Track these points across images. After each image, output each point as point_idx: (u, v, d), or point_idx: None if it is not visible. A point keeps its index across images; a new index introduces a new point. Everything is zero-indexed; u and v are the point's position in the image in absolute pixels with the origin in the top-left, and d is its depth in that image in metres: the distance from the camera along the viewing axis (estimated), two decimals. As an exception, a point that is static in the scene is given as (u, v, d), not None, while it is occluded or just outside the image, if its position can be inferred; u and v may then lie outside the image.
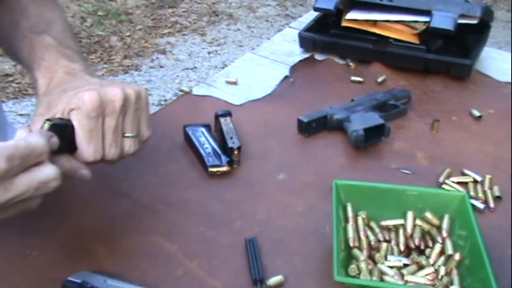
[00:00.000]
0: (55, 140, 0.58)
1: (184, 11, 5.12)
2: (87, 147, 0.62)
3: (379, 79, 1.05)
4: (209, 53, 4.31)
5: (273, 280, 0.66)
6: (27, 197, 0.54)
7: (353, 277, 0.63)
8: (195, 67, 3.95)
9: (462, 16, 0.99)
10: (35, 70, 0.70)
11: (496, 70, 1.11)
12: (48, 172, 0.55)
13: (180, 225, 0.74)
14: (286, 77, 1.07)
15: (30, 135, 0.56)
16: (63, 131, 0.60)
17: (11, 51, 0.80)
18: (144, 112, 0.68)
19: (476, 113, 0.97)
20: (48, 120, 0.59)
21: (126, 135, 0.66)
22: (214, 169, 0.81)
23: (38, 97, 0.68)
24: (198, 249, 0.70)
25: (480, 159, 0.87)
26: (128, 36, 4.38)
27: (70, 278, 0.62)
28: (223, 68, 3.39)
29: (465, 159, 0.87)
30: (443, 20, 0.99)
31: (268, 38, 3.41)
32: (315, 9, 1.10)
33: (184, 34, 4.62)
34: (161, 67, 3.90)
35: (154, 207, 0.76)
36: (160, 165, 0.84)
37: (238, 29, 4.87)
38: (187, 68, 3.93)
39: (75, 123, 0.61)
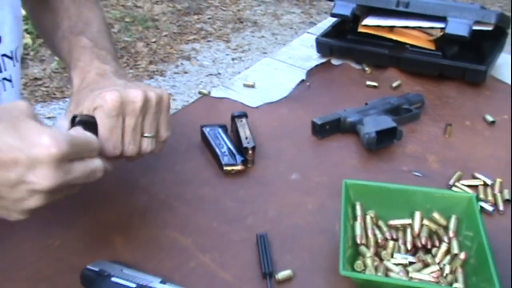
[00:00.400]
0: None
1: (209, 18, 5.18)
2: (107, 143, 0.66)
3: (394, 84, 1.07)
4: (233, 59, 4.36)
5: (282, 274, 0.68)
6: (79, 182, 0.59)
7: (359, 272, 0.65)
8: (219, 73, 3.99)
9: (477, 22, 1.01)
10: (71, 69, 0.75)
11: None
12: (97, 163, 0.61)
13: (194, 220, 0.76)
14: (302, 81, 1.09)
15: (76, 130, 0.61)
16: (87, 127, 0.64)
17: (54, 50, 0.85)
18: (164, 114, 0.71)
19: (490, 118, 0.98)
20: (75, 116, 0.64)
21: (145, 135, 0.69)
22: (229, 168, 0.84)
23: (71, 95, 0.72)
24: (211, 243, 0.73)
25: (491, 163, 0.88)
26: (154, 42, 4.46)
27: (88, 267, 0.66)
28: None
29: (476, 163, 0.88)
30: (458, 27, 1.00)
31: (291, 45, 3.45)
32: (332, 15, 1.12)
33: (209, 41, 4.67)
34: (185, 72, 3.96)
35: (170, 203, 0.79)
36: (177, 163, 0.87)
37: (263, 36, 4.91)
38: (211, 74, 3.98)
39: (97, 120, 0.65)
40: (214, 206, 0.79)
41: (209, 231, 0.75)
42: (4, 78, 0.81)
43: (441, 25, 1.03)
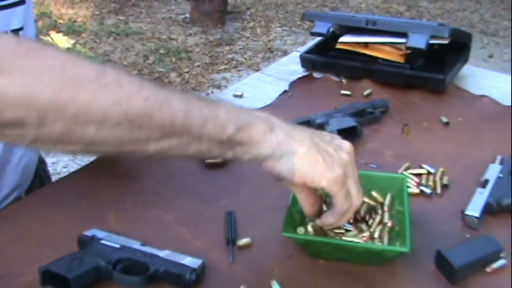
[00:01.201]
0: None
1: (240, 48, 5.40)
2: None
3: (365, 93, 1.21)
4: None
5: (242, 241, 0.82)
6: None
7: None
8: None
9: (433, 37, 1.14)
10: None
11: (474, 85, 1.25)
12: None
13: (177, 202, 0.91)
14: (285, 91, 1.24)
15: None
16: None
17: None
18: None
19: (445, 119, 1.10)
20: None
21: None
22: (210, 161, 0.99)
23: None
24: (188, 219, 0.88)
25: (439, 157, 1.00)
26: (187, 72, 4.68)
27: (84, 233, 0.81)
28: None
29: (426, 156, 1.00)
30: (417, 40, 1.14)
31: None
32: (312, 34, 1.28)
33: (239, 70, 4.87)
34: (216, 101, 4.14)
35: (158, 189, 0.95)
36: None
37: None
38: (241, 102, 4.15)
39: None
40: (194, 191, 0.94)
41: (188, 210, 0.90)
42: None
43: (404, 40, 1.17)
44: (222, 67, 4.90)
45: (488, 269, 0.76)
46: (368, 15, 1.22)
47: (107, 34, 5.42)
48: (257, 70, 4.84)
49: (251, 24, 6.15)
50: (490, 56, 5.38)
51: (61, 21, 5.66)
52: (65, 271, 0.73)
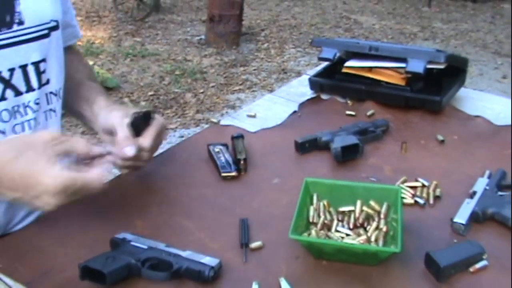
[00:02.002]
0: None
1: (254, 69, 5.52)
2: (150, 141, 0.97)
3: (368, 113, 1.32)
4: None
5: (254, 244, 0.93)
6: (78, 198, 0.85)
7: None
8: None
9: (431, 62, 1.25)
10: (98, 95, 1.09)
11: (470, 106, 1.35)
12: (94, 184, 0.85)
13: (196, 210, 1.03)
14: (295, 111, 1.36)
15: (92, 170, 0.87)
16: (144, 119, 0.98)
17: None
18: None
19: (440, 137, 1.21)
20: (147, 110, 0.99)
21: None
22: (226, 174, 1.11)
23: (99, 109, 1.05)
24: (206, 225, 0.99)
25: (434, 171, 1.11)
26: (202, 92, 4.80)
27: (115, 236, 0.93)
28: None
29: (422, 171, 1.11)
30: (415, 65, 1.25)
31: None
32: (319, 59, 1.40)
33: (253, 91, 4.98)
34: (230, 121, 4.24)
35: (180, 199, 1.06)
36: (188, 171, 1.14)
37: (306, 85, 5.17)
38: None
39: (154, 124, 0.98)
40: (212, 201, 1.05)
41: (206, 217, 1.01)
42: (50, 109, 1.08)
43: (404, 64, 1.28)
44: (237, 87, 5.01)
45: (471, 269, 0.86)
46: (371, 42, 1.33)
47: (124, 55, 5.58)
48: (271, 91, 4.95)
49: (265, 45, 6.29)
50: (504, 77, 5.45)
51: (79, 43, 5.85)
52: (101, 267, 0.84)
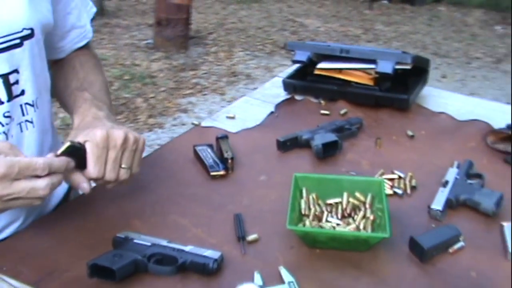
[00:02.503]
0: (72, 164, 0.88)
1: (204, 73, 5.55)
2: (93, 167, 0.90)
3: (342, 112, 1.40)
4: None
5: (251, 237, 0.99)
6: (22, 196, 0.80)
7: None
8: None
9: (398, 63, 1.35)
10: (73, 114, 1.04)
11: (433, 104, 1.46)
12: (39, 183, 0.81)
13: (190, 208, 1.07)
14: (272, 112, 1.43)
15: (48, 158, 0.84)
16: (78, 152, 0.90)
17: (62, 103, 1.14)
18: (138, 154, 0.95)
19: (410, 133, 1.31)
20: (70, 141, 0.91)
21: (123, 166, 0.93)
22: (215, 173, 1.16)
23: (71, 130, 1.00)
24: (202, 222, 1.04)
25: (407, 164, 1.20)
26: (152, 97, 4.78)
27: (117, 235, 0.96)
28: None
29: (397, 164, 1.20)
30: (384, 66, 1.34)
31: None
32: (293, 61, 1.47)
33: (204, 94, 5.01)
34: (183, 124, 4.23)
35: (172, 198, 1.10)
36: (177, 172, 1.18)
37: (256, 88, 5.22)
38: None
39: (88, 149, 0.90)
40: (204, 199, 1.10)
41: (201, 214, 1.06)
42: (26, 120, 1.03)
43: (373, 66, 1.37)
44: (188, 91, 5.02)
45: (450, 250, 0.95)
46: (342, 45, 1.42)
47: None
48: (222, 94, 5.00)
49: (214, 48, 6.33)
50: (443, 77, 5.70)
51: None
52: (110, 264, 0.88)
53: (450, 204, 1.05)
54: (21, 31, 0.97)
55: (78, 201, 1.09)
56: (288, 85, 1.49)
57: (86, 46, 1.20)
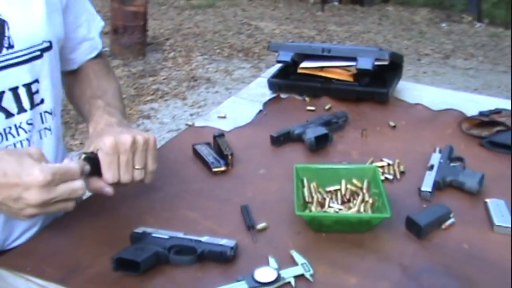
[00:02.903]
0: (87, 167, 0.95)
1: (164, 79, 5.57)
2: (107, 174, 0.96)
3: (326, 107, 1.49)
4: (191, 115, 4.69)
5: (260, 225, 1.05)
6: (64, 198, 0.87)
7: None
8: (179, 129, 4.27)
9: (377, 59, 1.45)
10: (89, 122, 1.10)
11: (409, 96, 1.58)
12: (77, 184, 0.88)
13: (197, 203, 1.14)
14: (260, 111, 1.50)
15: (69, 162, 0.91)
16: (93, 161, 0.97)
17: (80, 112, 1.20)
18: (150, 152, 0.99)
19: (392, 123, 1.41)
20: (84, 153, 0.98)
21: (136, 167, 0.98)
22: (217, 169, 1.22)
23: (87, 140, 1.06)
24: (211, 214, 1.10)
25: (393, 152, 1.29)
26: (114, 105, 4.77)
27: (134, 230, 1.02)
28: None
29: (384, 152, 1.29)
30: (364, 63, 1.44)
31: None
32: (278, 61, 1.55)
33: (166, 100, 5.03)
34: (147, 130, 4.23)
35: (179, 194, 1.16)
36: (180, 170, 1.24)
37: (217, 91, 5.29)
38: (171, 130, 4.28)
39: (99, 157, 0.96)
40: (210, 194, 1.16)
41: (208, 208, 1.12)
42: (45, 128, 1.10)
43: (354, 63, 1.47)
44: (149, 98, 5.02)
45: (443, 226, 1.05)
46: (323, 45, 1.51)
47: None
48: (184, 99, 5.04)
49: (172, 54, 6.36)
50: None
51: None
52: (134, 257, 0.93)
53: (437, 186, 1.15)
54: (41, 44, 1.04)
55: (89, 202, 1.13)
56: (273, 85, 1.57)
57: (98, 56, 1.26)
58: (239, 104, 1.55)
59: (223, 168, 1.23)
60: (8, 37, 0.99)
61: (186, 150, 1.30)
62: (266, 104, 1.54)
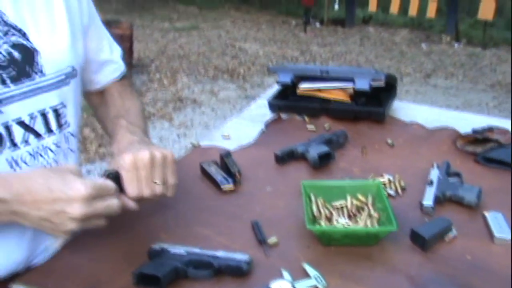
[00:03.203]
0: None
1: (150, 100, 5.61)
2: (129, 189, 1.01)
3: (326, 126, 1.55)
4: (178, 136, 4.73)
5: (271, 240, 1.10)
6: (99, 213, 0.92)
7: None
8: None
9: (373, 80, 1.51)
10: (113, 141, 1.15)
11: (405, 115, 1.65)
12: (114, 201, 0.95)
13: (208, 220, 1.18)
14: (262, 131, 1.56)
15: (106, 180, 0.97)
16: (115, 179, 1.02)
17: (105, 130, 1.27)
18: (169, 168, 1.04)
19: (390, 141, 1.47)
20: (106, 171, 1.03)
21: (156, 182, 1.03)
22: (226, 188, 1.27)
23: (112, 158, 1.11)
24: (223, 231, 1.14)
25: (392, 168, 1.35)
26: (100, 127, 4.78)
27: (152, 246, 1.06)
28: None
29: (384, 168, 1.35)
30: (362, 84, 1.51)
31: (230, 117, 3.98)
32: (278, 83, 1.61)
33: (152, 121, 5.06)
34: (134, 151, 4.27)
35: (191, 212, 1.20)
36: (190, 188, 1.28)
37: (203, 112, 5.33)
38: (159, 152, 4.32)
39: (121, 174, 1.01)
40: (220, 211, 1.21)
41: (220, 224, 1.16)
42: (69, 149, 1.16)
43: (351, 84, 1.53)
44: (135, 118, 5.05)
45: (446, 239, 1.10)
46: (321, 66, 1.57)
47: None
48: (170, 120, 5.07)
49: (158, 76, 6.41)
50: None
51: None
52: (155, 272, 0.97)
53: (438, 200, 1.21)
54: (66, 69, 1.10)
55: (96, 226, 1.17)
56: (273, 106, 1.63)
57: (122, 77, 1.32)
58: (242, 124, 1.61)
59: (231, 186, 1.27)
60: (39, 64, 1.05)
61: (195, 169, 1.35)
62: (268, 124, 1.59)
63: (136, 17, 9.05)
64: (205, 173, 1.33)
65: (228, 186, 1.27)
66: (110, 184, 0.95)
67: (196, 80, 6.37)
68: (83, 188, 0.89)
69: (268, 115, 1.65)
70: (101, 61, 1.24)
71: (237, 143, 1.49)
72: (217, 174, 1.30)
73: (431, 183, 1.25)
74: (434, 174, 1.28)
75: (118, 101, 1.26)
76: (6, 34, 1.01)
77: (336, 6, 9.98)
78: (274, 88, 1.73)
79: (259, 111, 1.68)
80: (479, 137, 1.42)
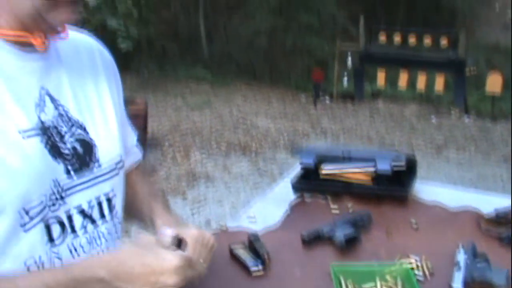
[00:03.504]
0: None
1: (163, 176, 5.67)
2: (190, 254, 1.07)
3: (349, 206, 1.58)
4: (192, 212, 4.74)
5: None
6: (191, 280, 0.97)
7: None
8: None
9: (394, 162, 1.56)
10: (155, 217, 1.22)
11: (427, 195, 1.67)
12: (200, 269, 1.05)
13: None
14: (287, 213, 1.59)
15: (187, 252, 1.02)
16: (178, 244, 1.06)
17: (130, 211, 1.29)
18: (210, 250, 1.12)
19: (414, 221, 1.49)
20: (176, 235, 1.06)
21: (201, 260, 1.10)
22: (256, 272, 1.29)
23: (157, 228, 1.18)
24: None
25: (419, 249, 1.37)
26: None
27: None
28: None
29: (410, 250, 1.36)
30: (383, 165, 1.55)
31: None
32: (301, 164, 1.66)
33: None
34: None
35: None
36: (218, 271, 1.30)
37: (216, 188, 5.37)
38: (172, 228, 4.33)
39: (188, 240, 1.07)
40: (250, 294, 1.22)
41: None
42: (117, 237, 1.19)
43: (372, 165, 1.58)
44: (149, 195, 5.08)
45: (479, 322, 1.11)
46: (343, 148, 1.63)
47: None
48: (183, 196, 5.11)
49: (171, 151, 6.52)
50: (392, 166, 6.04)
51: None
52: None
53: (467, 284, 1.22)
54: (116, 158, 1.16)
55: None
56: (296, 187, 1.67)
57: (139, 162, 1.37)
58: (265, 205, 1.64)
59: (261, 270, 1.29)
60: (97, 157, 1.11)
61: (223, 252, 1.37)
62: (292, 206, 1.62)
63: (150, 94, 9.28)
64: (233, 256, 1.35)
65: (258, 271, 1.29)
66: (191, 256, 1.01)
67: (208, 156, 6.44)
68: (174, 259, 0.94)
69: (291, 195, 1.69)
70: (127, 148, 1.29)
71: (262, 225, 1.52)
72: (246, 257, 1.32)
73: (458, 265, 1.26)
74: (461, 257, 1.30)
75: (145, 186, 1.33)
76: (70, 128, 1.08)
77: (345, 81, 10.20)
78: (295, 167, 1.77)
79: (282, 192, 1.72)
80: (502, 220, 1.45)
